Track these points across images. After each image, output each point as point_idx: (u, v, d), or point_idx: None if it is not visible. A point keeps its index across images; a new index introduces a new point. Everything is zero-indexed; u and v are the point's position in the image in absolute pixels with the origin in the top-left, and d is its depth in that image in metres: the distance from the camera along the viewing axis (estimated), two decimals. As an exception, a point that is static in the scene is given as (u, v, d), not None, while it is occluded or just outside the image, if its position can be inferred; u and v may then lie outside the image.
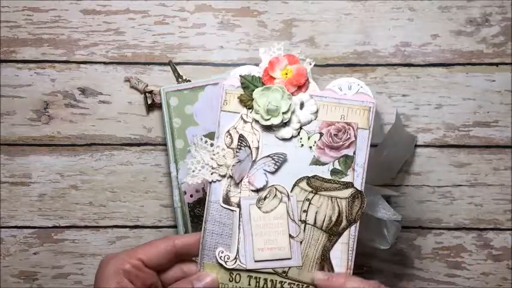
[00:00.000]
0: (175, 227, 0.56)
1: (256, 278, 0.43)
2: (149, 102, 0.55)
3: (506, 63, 0.56)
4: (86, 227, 0.57)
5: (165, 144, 0.54)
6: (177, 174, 0.53)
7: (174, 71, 0.56)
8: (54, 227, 0.57)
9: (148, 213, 0.57)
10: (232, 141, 0.44)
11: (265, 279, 0.42)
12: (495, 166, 0.56)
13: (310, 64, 0.44)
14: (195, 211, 0.53)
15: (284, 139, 0.44)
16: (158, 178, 0.56)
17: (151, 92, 0.55)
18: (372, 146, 0.53)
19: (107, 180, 0.57)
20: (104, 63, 0.56)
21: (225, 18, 0.56)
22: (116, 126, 0.56)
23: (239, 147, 0.44)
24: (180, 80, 0.55)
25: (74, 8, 0.56)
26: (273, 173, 0.43)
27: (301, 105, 0.44)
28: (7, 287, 0.57)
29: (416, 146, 0.56)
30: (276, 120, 0.43)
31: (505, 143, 0.56)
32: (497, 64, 0.56)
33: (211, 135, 0.44)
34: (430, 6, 0.56)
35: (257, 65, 0.45)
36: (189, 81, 0.55)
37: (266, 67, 0.44)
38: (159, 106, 0.55)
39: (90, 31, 0.56)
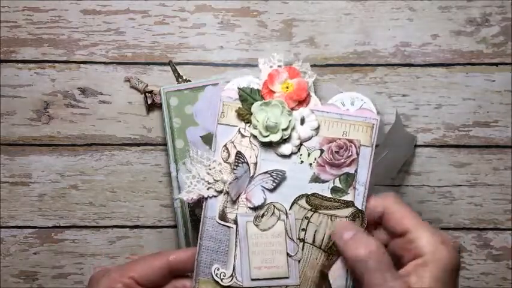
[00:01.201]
0: (175, 227, 0.56)
1: None
2: (149, 102, 0.55)
3: (506, 63, 0.56)
4: (86, 227, 0.57)
5: (165, 144, 0.54)
6: (177, 174, 0.53)
7: (174, 71, 0.56)
8: (54, 227, 0.57)
9: (148, 213, 0.57)
10: (229, 156, 0.43)
11: None
12: (495, 166, 0.56)
13: (312, 77, 0.43)
14: (195, 211, 0.53)
15: (283, 155, 0.42)
16: (158, 178, 0.56)
17: (151, 92, 0.55)
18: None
19: (107, 180, 0.57)
20: (104, 63, 0.56)
21: (225, 18, 0.56)
22: (116, 126, 0.56)
23: (236, 164, 0.42)
24: (180, 80, 0.55)
25: (74, 8, 0.56)
26: (271, 190, 0.42)
27: (302, 121, 0.42)
28: (7, 287, 0.57)
29: (416, 146, 0.56)
30: (275, 137, 0.42)
31: (505, 143, 0.56)
32: (497, 64, 0.56)
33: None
34: (430, 6, 0.56)
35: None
36: (189, 81, 0.55)
37: (265, 80, 0.43)
38: (159, 106, 0.55)
39: (90, 31, 0.56)
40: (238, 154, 0.42)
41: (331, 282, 0.41)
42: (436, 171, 0.56)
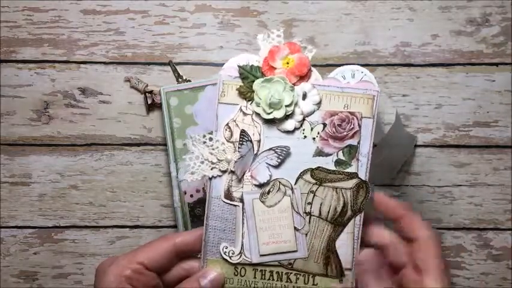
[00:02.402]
0: (175, 227, 0.56)
1: (261, 270, 0.42)
2: (149, 102, 0.55)
3: (506, 63, 0.56)
4: (86, 227, 0.57)
5: (165, 144, 0.54)
6: (177, 174, 0.53)
7: (174, 71, 0.56)
8: (54, 227, 0.57)
9: (148, 213, 0.57)
10: (232, 135, 0.43)
11: (271, 272, 0.42)
12: (495, 166, 0.56)
13: (312, 51, 0.43)
14: (195, 211, 0.53)
15: (287, 131, 0.43)
16: (158, 178, 0.56)
17: (151, 92, 0.55)
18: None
19: (107, 180, 0.57)
20: (104, 63, 0.56)
21: (225, 18, 0.56)
22: (116, 126, 0.56)
23: (241, 142, 0.42)
24: (180, 80, 0.55)
25: (74, 8, 0.56)
26: (276, 166, 0.42)
27: (304, 96, 0.42)
28: (7, 287, 0.57)
29: (416, 146, 0.56)
30: (278, 114, 0.42)
31: (505, 143, 0.56)
32: (497, 64, 0.56)
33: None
34: (430, 6, 0.56)
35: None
36: (189, 81, 0.55)
37: (266, 56, 0.43)
38: (159, 106, 0.55)
39: (90, 31, 0.56)
40: (243, 133, 0.42)
41: (338, 252, 0.42)
42: (436, 171, 0.56)
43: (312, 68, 0.43)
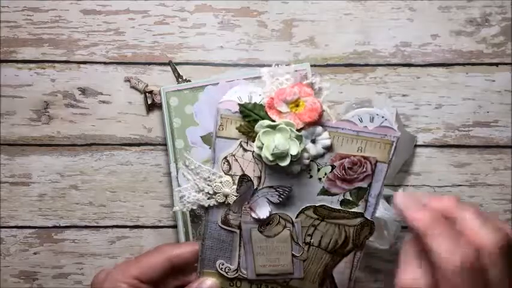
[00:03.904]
0: (175, 227, 0.56)
1: (257, 284, 0.42)
2: (149, 102, 0.55)
3: (506, 63, 0.56)
4: (86, 227, 0.57)
5: (165, 144, 0.54)
6: (177, 174, 0.53)
7: (174, 71, 0.56)
8: (54, 227, 0.57)
9: (148, 213, 0.57)
10: (230, 168, 0.40)
11: (267, 286, 0.42)
12: (495, 166, 0.56)
13: (326, 91, 0.39)
14: (195, 211, 0.53)
15: (291, 173, 0.39)
16: (158, 178, 0.56)
17: (151, 92, 0.55)
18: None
19: (107, 180, 0.57)
20: (104, 63, 0.56)
21: (225, 18, 0.56)
22: (116, 126, 0.56)
23: (240, 184, 0.40)
24: (180, 80, 0.55)
25: (74, 8, 0.56)
26: (276, 204, 0.40)
27: (313, 140, 0.39)
28: (7, 287, 0.57)
29: (416, 146, 0.56)
30: (283, 163, 0.38)
31: (505, 143, 0.56)
32: (497, 64, 0.56)
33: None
34: (430, 6, 0.56)
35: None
36: (189, 81, 0.55)
37: (271, 96, 0.38)
38: (159, 106, 0.55)
39: (90, 31, 0.56)
40: (243, 177, 0.40)
41: (334, 276, 0.41)
42: (436, 171, 0.56)
43: (324, 107, 0.38)
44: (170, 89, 0.53)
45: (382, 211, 0.51)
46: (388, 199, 0.56)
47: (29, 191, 0.57)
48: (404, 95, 0.56)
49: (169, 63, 0.56)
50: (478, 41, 0.56)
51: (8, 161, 0.56)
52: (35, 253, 0.57)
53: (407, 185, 0.57)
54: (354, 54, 0.56)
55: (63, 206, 0.57)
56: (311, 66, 0.52)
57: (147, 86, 0.55)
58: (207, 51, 0.56)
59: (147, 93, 0.55)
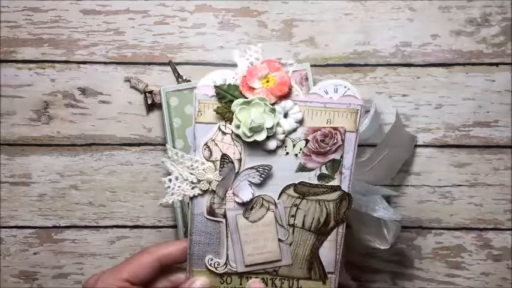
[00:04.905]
0: (175, 227, 0.56)
1: (247, 277, 0.43)
2: (149, 102, 0.55)
3: (506, 63, 0.56)
4: (86, 227, 0.57)
5: (165, 144, 0.54)
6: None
7: (174, 71, 0.56)
8: (54, 227, 0.57)
9: (149, 213, 0.57)
10: (211, 154, 0.41)
11: (257, 277, 0.42)
12: (495, 166, 0.56)
13: (292, 65, 0.41)
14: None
15: (268, 150, 0.41)
16: (158, 178, 0.56)
17: (151, 92, 0.55)
18: (372, 146, 0.54)
19: (107, 180, 0.57)
20: (104, 63, 0.56)
21: (225, 18, 0.56)
22: (116, 126, 0.56)
23: (222, 165, 0.41)
24: (180, 80, 0.55)
25: (74, 8, 0.56)
26: (258, 184, 0.41)
27: (285, 114, 0.41)
28: (7, 287, 0.57)
29: (416, 146, 0.56)
30: (259, 137, 0.40)
31: (505, 143, 0.56)
32: (497, 64, 0.56)
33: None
34: (430, 6, 0.56)
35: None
36: (189, 81, 0.55)
37: (243, 75, 0.40)
38: (159, 106, 0.55)
39: (90, 31, 0.56)
40: (223, 156, 0.41)
41: (321, 258, 0.42)
42: (436, 171, 0.56)
43: (292, 84, 0.41)
44: (170, 89, 0.53)
45: (382, 211, 0.51)
46: (389, 199, 0.56)
47: (29, 191, 0.57)
48: (404, 95, 0.56)
49: (169, 63, 0.56)
50: (478, 41, 0.56)
51: (8, 161, 0.56)
52: (35, 253, 0.57)
53: (407, 185, 0.57)
54: (353, 54, 0.56)
55: (63, 206, 0.57)
56: (311, 66, 0.52)
57: (147, 86, 0.55)
58: (207, 51, 0.56)
59: (147, 93, 0.55)
